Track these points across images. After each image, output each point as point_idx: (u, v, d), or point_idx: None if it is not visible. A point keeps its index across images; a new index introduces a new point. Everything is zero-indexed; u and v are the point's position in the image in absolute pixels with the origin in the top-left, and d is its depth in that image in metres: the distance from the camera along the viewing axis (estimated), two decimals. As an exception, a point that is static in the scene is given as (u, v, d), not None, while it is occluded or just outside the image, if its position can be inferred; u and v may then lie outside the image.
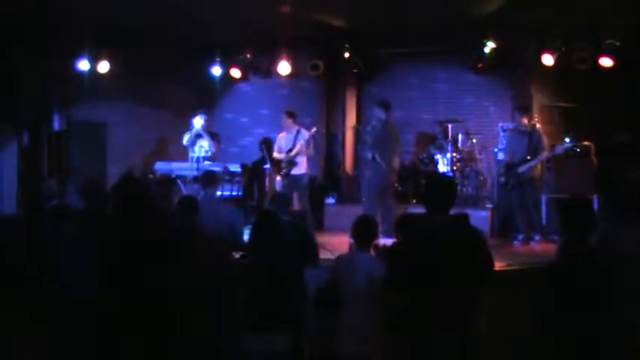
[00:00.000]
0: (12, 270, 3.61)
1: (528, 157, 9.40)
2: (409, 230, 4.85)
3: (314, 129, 10.42)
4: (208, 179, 7.61)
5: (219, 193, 10.38)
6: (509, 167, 9.60)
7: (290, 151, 10.30)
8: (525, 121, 9.58)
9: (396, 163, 9.77)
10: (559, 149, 9.72)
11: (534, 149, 9.43)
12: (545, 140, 9.58)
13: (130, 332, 3.43)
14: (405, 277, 4.20)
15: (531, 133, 9.51)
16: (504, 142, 10.50)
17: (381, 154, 9.49)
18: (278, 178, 10.58)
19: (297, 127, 10.42)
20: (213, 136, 10.85)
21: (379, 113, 9.74)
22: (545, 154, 9.50)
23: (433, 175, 10.84)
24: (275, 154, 10.62)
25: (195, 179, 10.28)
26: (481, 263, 4.22)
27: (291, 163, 10.27)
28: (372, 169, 9.65)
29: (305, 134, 10.28)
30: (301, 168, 10.30)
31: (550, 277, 4.14)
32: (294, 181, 10.27)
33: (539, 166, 9.67)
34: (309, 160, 10.57)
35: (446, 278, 4.03)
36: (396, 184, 10.95)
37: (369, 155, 9.69)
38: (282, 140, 10.50)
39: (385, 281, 4.52)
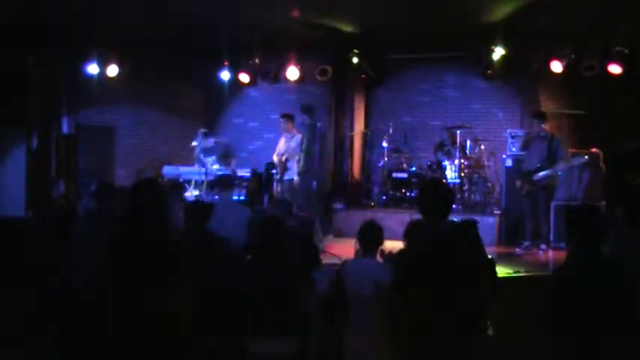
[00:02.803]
0: (24, 270, 3.63)
1: (545, 165, 9.29)
2: (416, 237, 4.85)
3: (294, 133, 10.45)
4: (223, 182, 7.83)
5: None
6: (527, 173, 9.49)
7: (283, 155, 10.32)
8: (547, 127, 9.49)
9: (302, 166, 9.97)
10: (576, 161, 9.56)
11: (553, 157, 9.30)
12: (564, 149, 9.48)
13: (139, 332, 3.44)
14: (412, 283, 4.20)
15: (551, 140, 9.39)
16: (524, 148, 10.29)
17: (299, 160, 9.98)
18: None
19: (294, 131, 10.42)
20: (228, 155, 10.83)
21: (302, 119, 10.25)
22: (562, 165, 9.35)
23: (427, 182, 10.84)
24: (273, 158, 10.63)
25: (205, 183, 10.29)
26: (483, 267, 4.21)
27: (283, 167, 10.26)
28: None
29: (297, 138, 10.28)
30: (293, 172, 10.28)
31: (558, 284, 4.12)
32: (286, 184, 10.26)
33: (556, 175, 9.56)
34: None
35: (452, 284, 4.02)
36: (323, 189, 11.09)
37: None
38: (281, 144, 10.51)
39: (392, 286, 4.52)
